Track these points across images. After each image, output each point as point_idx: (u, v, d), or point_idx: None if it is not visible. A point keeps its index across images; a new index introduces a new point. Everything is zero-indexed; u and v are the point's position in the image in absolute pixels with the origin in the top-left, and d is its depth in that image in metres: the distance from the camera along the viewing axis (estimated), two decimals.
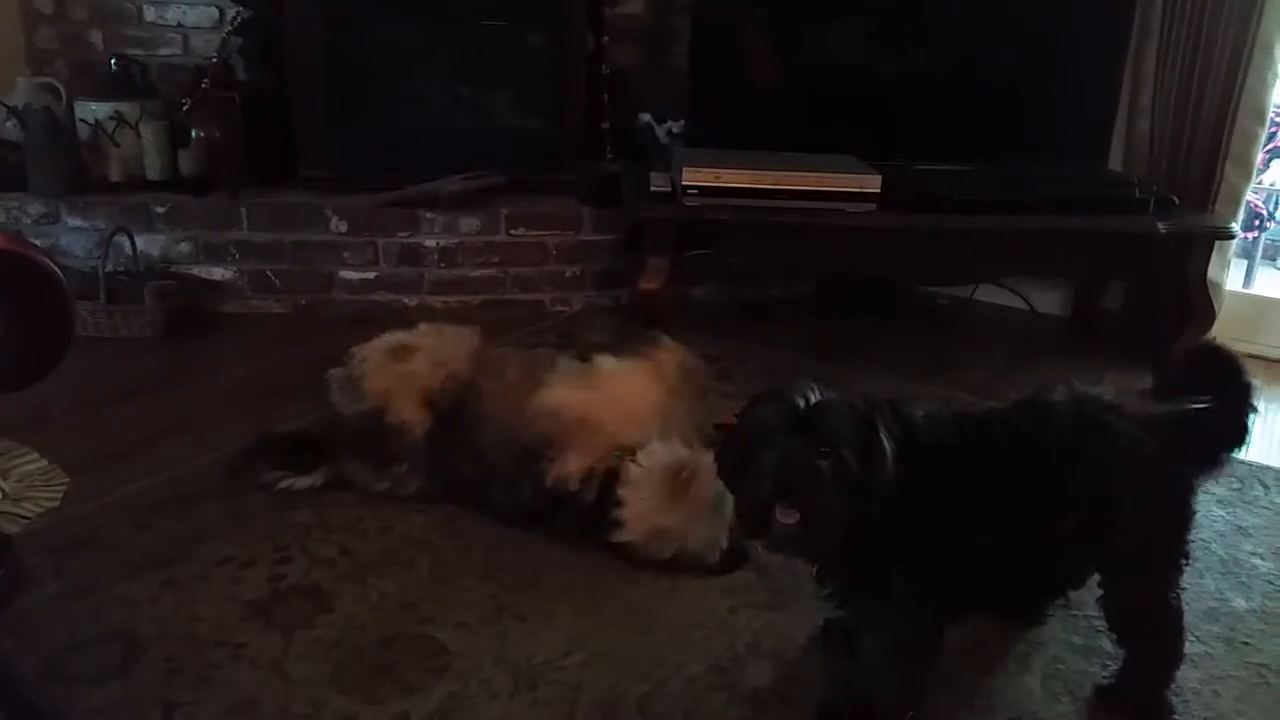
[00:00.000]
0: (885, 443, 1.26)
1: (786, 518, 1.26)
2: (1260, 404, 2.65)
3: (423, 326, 2.12)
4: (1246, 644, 1.67)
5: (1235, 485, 2.19)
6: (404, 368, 2.01)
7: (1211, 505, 2.09)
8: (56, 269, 1.20)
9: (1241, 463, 2.29)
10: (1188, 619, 1.47)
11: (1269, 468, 2.26)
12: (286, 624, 1.61)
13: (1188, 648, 1.49)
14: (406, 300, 3.01)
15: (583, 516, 1.82)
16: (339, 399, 2.04)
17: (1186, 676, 1.53)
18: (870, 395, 1.33)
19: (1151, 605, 1.42)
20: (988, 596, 1.42)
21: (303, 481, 1.98)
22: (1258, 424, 2.35)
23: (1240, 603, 1.78)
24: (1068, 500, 1.33)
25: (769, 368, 2.69)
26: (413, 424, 1.97)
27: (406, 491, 1.97)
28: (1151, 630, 1.45)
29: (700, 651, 1.59)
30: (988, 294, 3.28)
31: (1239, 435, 1.38)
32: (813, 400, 1.27)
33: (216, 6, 3.10)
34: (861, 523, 1.28)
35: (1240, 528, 2.02)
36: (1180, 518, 1.40)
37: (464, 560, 1.80)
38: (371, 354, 2.05)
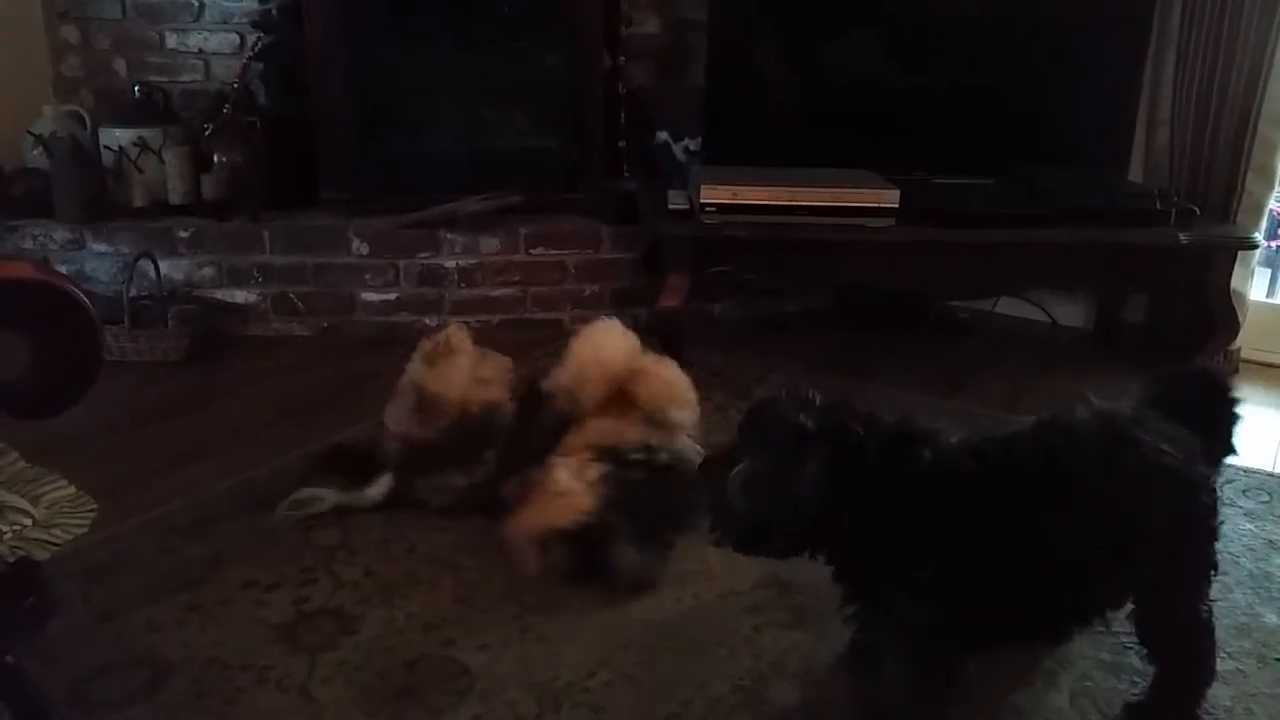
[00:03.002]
0: (809, 463, 1.29)
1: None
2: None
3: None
4: (1279, 660, 1.65)
5: (1264, 499, 2.16)
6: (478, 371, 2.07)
7: (1240, 519, 2.07)
8: (85, 298, 1.22)
9: (1270, 475, 2.27)
10: (1218, 635, 1.45)
11: None
12: (312, 646, 1.61)
13: (1219, 664, 1.47)
14: (428, 321, 3.03)
15: None
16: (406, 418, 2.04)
17: (1218, 694, 1.51)
18: (842, 415, 1.34)
19: (1184, 619, 1.41)
20: (1019, 625, 1.41)
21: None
22: None
23: (1272, 618, 1.76)
24: (1103, 519, 1.32)
25: (788, 384, 2.68)
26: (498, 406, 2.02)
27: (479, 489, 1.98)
28: (1184, 644, 1.43)
29: (725, 671, 1.58)
30: (1009, 306, 3.26)
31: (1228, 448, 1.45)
32: (774, 406, 1.36)
33: (237, 33, 3.13)
34: (781, 531, 1.33)
35: (1270, 541, 2.00)
36: (1211, 528, 1.40)
37: (487, 581, 1.80)
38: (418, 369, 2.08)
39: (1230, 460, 1.48)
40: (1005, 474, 1.35)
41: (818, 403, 1.35)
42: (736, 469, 1.33)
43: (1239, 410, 1.46)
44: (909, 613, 1.33)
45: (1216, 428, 1.44)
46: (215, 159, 2.96)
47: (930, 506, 1.31)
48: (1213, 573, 1.42)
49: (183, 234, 2.91)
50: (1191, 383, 1.50)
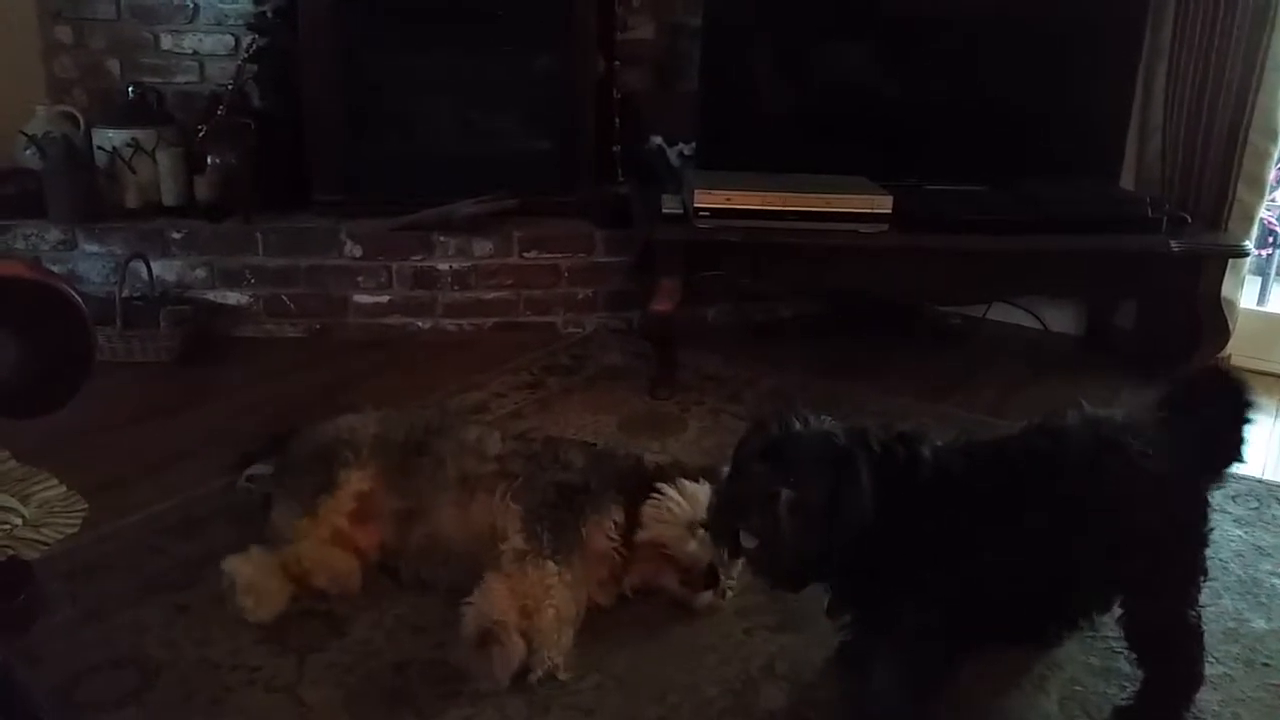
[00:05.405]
0: (860, 478, 1.27)
1: (748, 542, 1.33)
2: (1274, 422, 2.64)
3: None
4: (1267, 665, 1.65)
5: (1253, 505, 2.17)
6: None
7: (1229, 525, 2.07)
8: (78, 298, 1.22)
9: (1259, 481, 2.27)
10: (1206, 640, 1.46)
11: None
12: (300, 648, 1.61)
13: (1207, 669, 1.48)
14: (420, 324, 3.03)
15: None
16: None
17: (1206, 699, 1.52)
18: (860, 427, 1.34)
19: (1172, 623, 1.42)
20: (1007, 627, 1.41)
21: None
22: (1275, 444, 2.34)
23: (1260, 623, 1.76)
24: (1089, 524, 1.33)
25: (780, 389, 2.69)
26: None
27: None
28: (1172, 649, 1.44)
29: (714, 675, 1.58)
30: (1000, 312, 3.27)
31: (1238, 450, 1.41)
32: (792, 429, 1.31)
33: (231, 34, 3.13)
34: (837, 554, 1.29)
35: (1259, 547, 2.01)
36: (1199, 534, 1.40)
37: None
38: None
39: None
40: (996, 478, 1.36)
41: (824, 423, 1.35)
42: (782, 501, 1.27)
43: (1252, 415, 1.41)
44: (901, 617, 1.33)
45: (1228, 431, 1.40)
46: (209, 160, 2.95)
47: (925, 511, 1.32)
48: (1202, 578, 1.43)
49: (175, 235, 2.91)
50: (1208, 385, 1.46)
